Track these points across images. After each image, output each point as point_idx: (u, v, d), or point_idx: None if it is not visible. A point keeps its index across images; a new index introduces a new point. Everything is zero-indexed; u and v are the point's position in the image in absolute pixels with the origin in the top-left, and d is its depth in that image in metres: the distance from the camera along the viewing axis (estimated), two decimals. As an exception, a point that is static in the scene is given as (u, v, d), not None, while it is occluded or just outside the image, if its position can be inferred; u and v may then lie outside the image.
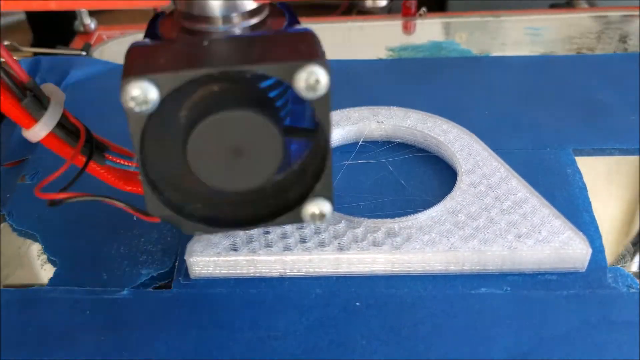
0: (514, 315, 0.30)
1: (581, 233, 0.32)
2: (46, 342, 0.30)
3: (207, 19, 0.24)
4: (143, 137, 0.22)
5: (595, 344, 0.29)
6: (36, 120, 0.27)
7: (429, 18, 0.58)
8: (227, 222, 0.26)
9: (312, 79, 0.21)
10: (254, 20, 0.25)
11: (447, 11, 0.85)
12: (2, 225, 0.37)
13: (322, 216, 0.26)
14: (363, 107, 0.41)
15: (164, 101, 0.22)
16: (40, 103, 0.27)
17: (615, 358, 0.28)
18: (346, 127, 0.40)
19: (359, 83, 0.48)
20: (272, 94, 0.25)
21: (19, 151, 0.43)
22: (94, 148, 0.29)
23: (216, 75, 0.22)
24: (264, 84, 0.24)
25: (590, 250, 0.31)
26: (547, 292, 0.31)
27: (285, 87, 0.25)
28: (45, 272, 0.34)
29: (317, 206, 0.25)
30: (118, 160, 0.30)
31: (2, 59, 0.26)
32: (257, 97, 0.23)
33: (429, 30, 0.57)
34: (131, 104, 0.21)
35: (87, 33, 0.60)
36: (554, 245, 0.32)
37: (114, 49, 0.57)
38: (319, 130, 0.24)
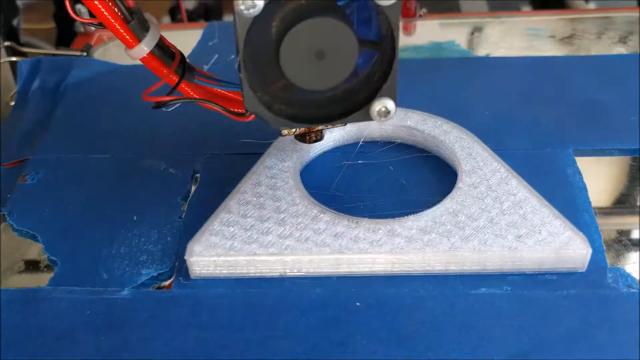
0: (514, 315, 0.30)
1: (581, 233, 0.32)
2: (46, 342, 0.30)
3: None
4: (245, 40, 0.27)
5: (595, 344, 0.29)
6: (139, 41, 0.31)
7: (429, 19, 0.58)
8: (307, 119, 0.31)
9: None
10: None
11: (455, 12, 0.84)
12: (2, 225, 0.37)
13: (387, 112, 0.30)
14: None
15: (262, 10, 0.26)
16: (143, 26, 0.31)
17: (615, 358, 0.28)
18: (346, 127, 0.40)
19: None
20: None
21: (19, 151, 0.43)
22: (186, 69, 0.33)
23: None
24: (340, 2, 0.28)
25: (590, 251, 0.31)
26: (547, 292, 0.31)
27: (353, 8, 0.28)
28: (45, 272, 0.34)
29: (383, 104, 0.30)
30: (205, 81, 0.34)
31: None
32: (337, 9, 0.28)
33: (429, 30, 0.57)
34: (242, 7, 0.26)
35: (87, 34, 0.60)
36: (554, 245, 0.32)
37: (114, 49, 0.57)
38: (383, 40, 0.29)
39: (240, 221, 0.33)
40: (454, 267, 0.32)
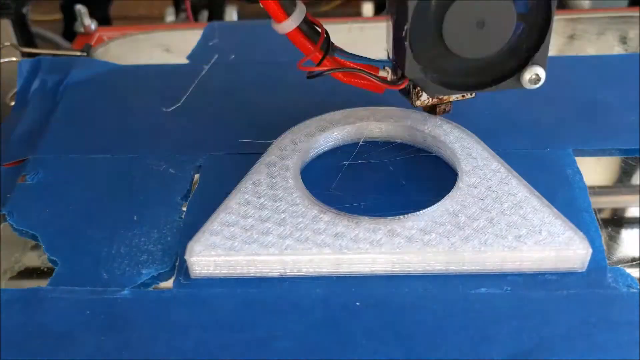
0: (514, 315, 0.30)
1: (581, 233, 0.32)
2: (46, 342, 0.30)
3: None
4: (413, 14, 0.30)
5: (595, 344, 0.29)
6: (288, 15, 0.33)
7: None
8: (460, 86, 0.34)
9: None
10: None
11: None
12: (2, 225, 0.37)
13: (538, 80, 0.32)
14: (363, 108, 0.41)
15: None
16: (293, 2, 0.33)
17: (615, 358, 0.28)
18: (346, 127, 0.40)
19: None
20: None
21: (19, 151, 0.43)
22: (330, 46, 0.34)
23: None
24: None
25: (590, 251, 0.31)
26: (547, 292, 0.31)
27: None
28: (45, 272, 0.34)
29: (534, 71, 0.32)
30: (345, 58, 0.35)
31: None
32: None
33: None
34: None
35: (87, 34, 0.60)
36: (554, 245, 0.32)
37: (114, 50, 0.57)
38: (532, 13, 0.31)
39: (240, 221, 0.33)
40: (454, 267, 0.32)
